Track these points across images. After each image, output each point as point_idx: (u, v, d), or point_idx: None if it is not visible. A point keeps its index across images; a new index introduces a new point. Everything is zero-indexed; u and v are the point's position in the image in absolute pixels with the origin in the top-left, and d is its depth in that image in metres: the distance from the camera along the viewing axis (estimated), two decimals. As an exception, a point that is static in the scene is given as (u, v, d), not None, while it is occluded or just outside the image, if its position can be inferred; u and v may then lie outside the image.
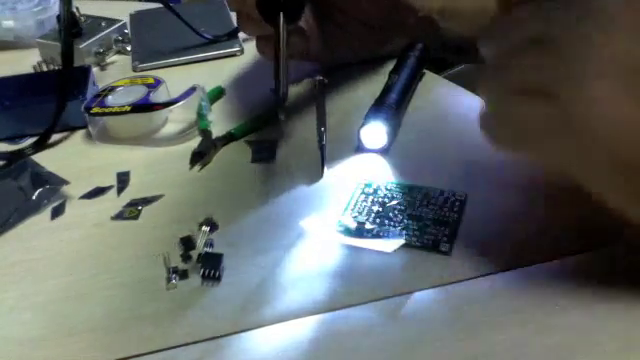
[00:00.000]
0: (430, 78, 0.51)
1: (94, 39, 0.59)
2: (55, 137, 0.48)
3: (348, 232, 0.35)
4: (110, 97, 0.47)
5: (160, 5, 0.60)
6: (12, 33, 0.65)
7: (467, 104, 0.47)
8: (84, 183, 0.42)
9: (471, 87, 0.48)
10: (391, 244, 0.33)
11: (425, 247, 0.34)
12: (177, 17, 0.59)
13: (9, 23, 0.65)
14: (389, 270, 0.33)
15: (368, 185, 0.39)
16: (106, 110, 0.46)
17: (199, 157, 0.42)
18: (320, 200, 0.38)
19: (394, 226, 0.35)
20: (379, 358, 0.28)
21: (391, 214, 0.36)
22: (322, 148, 0.40)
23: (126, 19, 0.65)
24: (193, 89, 0.47)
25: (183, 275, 0.33)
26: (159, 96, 0.48)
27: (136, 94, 0.47)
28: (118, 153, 0.45)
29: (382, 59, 0.53)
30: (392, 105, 0.43)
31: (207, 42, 0.60)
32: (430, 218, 0.36)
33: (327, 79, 0.43)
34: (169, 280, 0.33)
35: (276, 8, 0.41)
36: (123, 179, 0.42)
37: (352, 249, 0.34)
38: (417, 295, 0.31)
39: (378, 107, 0.43)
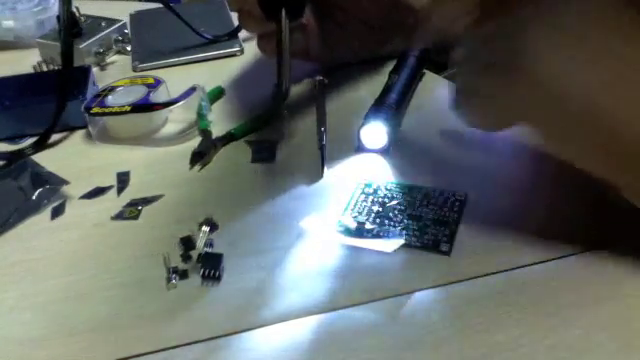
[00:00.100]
0: (430, 78, 0.51)
1: (94, 39, 0.59)
2: (55, 137, 0.48)
3: (348, 232, 0.35)
4: (110, 97, 0.47)
5: (160, 5, 0.60)
6: (12, 33, 0.65)
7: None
8: (84, 183, 0.42)
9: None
10: (391, 244, 0.33)
11: (425, 247, 0.34)
12: (177, 17, 0.59)
13: (9, 23, 0.65)
14: (389, 270, 0.33)
15: (368, 185, 0.39)
16: (106, 110, 0.46)
17: (199, 157, 0.42)
18: (320, 200, 0.38)
19: (394, 226, 0.35)
20: (379, 358, 0.28)
21: (391, 214, 0.36)
22: (322, 148, 0.40)
23: (126, 19, 0.65)
24: (193, 89, 0.47)
25: (183, 275, 0.33)
26: (159, 96, 0.48)
27: (136, 94, 0.47)
28: (118, 153, 0.45)
29: (382, 59, 0.53)
30: (392, 105, 0.43)
31: (207, 42, 0.60)
32: (430, 218, 0.36)
33: (327, 79, 0.43)
34: (169, 280, 0.33)
35: (278, 4, 0.41)
36: (123, 179, 0.42)
37: (352, 249, 0.34)
38: (417, 295, 0.31)
39: (378, 107, 0.43)
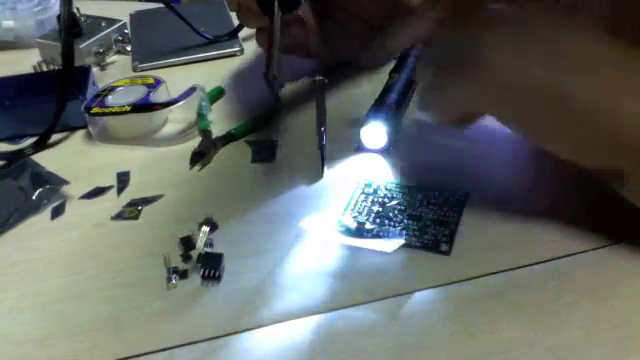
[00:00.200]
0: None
1: (94, 39, 0.59)
2: (55, 137, 0.48)
3: (348, 232, 0.35)
4: (110, 97, 0.47)
5: (160, 5, 0.60)
6: (12, 33, 0.65)
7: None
8: (84, 183, 0.42)
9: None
10: (391, 244, 0.33)
11: (425, 247, 0.34)
12: (177, 17, 0.59)
13: (9, 23, 0.65)
14: (389, 270, 0.33)
15: (368, 185, 0.39)
16: (106, 110, 0.46)
17: (199, 157, 0.42)
18: (320, 200, 0.38)
19: (394, 226, 0.35)
20: (379, 358, 0.28)
21: (391, 214, 0.36)
22: (322, 148, 0.40)
23: (126, 19, 0.65)
24: (193, 89, 0.47)
25: (183, 275, 0.33)
26: (159, 96, 0.48)
27: (136, 94, 0.47)
28: (118, 153, 0.45)
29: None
30: (392, 105, 0.43)
31: (207, 42, 0.60)
32: (430, 218, 0.36)
33: (327, 79, 0.43)
34: (169, 280, 0.33)
35: None
36: (123, 179, 0.42)
37: (352, 249, 0.34)
38: (417, 295, 0.31)
39: (378, 107, 0.43)
